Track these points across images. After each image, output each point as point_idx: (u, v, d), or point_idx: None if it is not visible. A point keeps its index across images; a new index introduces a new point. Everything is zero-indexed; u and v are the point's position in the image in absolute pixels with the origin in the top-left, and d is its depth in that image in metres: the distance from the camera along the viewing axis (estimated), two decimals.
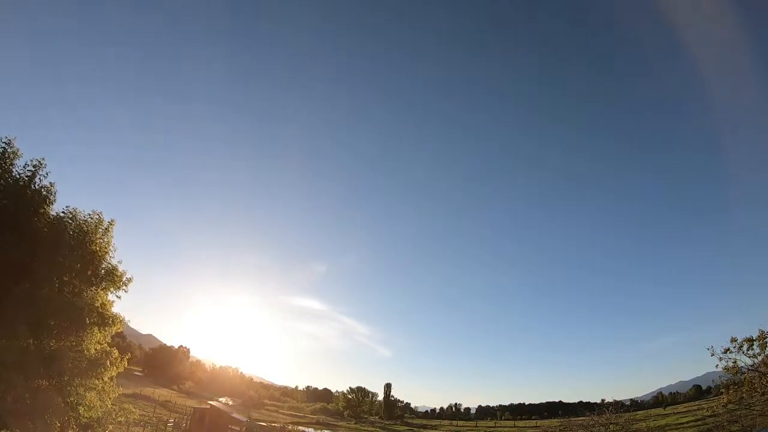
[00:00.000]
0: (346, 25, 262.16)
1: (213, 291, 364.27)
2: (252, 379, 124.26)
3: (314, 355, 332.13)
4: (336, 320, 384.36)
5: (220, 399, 73.44)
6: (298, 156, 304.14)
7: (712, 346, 23.47)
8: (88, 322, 13.04)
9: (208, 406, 40.06)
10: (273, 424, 54.45)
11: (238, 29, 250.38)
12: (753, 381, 22.12)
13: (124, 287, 14.67)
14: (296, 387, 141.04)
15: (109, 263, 14.30)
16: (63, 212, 13.51)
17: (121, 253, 14.64)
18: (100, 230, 13.95)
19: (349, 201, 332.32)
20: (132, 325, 17.25)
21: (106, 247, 14.04)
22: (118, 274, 14.43)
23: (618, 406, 37.57)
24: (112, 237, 14.35)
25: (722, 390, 24.51)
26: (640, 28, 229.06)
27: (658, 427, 48.07)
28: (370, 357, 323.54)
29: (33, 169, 12.90)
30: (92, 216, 13.86)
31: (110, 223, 14.29)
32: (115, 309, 14.70)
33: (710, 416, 40.79)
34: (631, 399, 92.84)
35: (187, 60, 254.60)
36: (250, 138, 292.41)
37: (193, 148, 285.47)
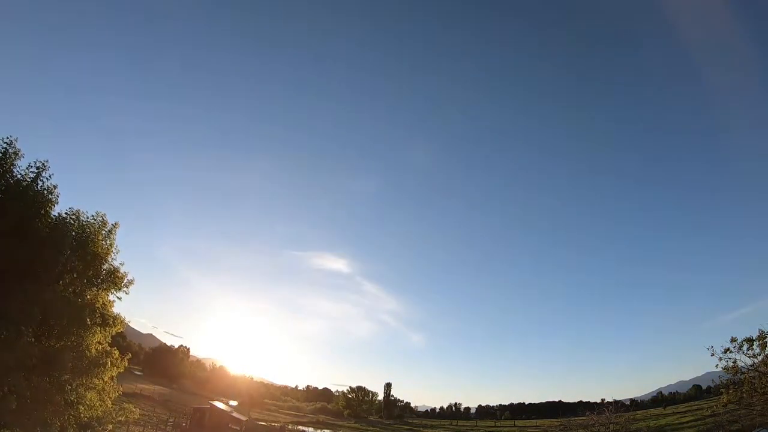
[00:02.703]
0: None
1: (207, 253, 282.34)
2: (252, 378, 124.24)
3: (326, 342, 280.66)
4: (359, 291, 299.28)
5: (220, 398, 73.44)
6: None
7: (712, 346, 23.51)
8: (89, 322, 13.06)
9: (208, 406, 40.10)
10: (273, 424, 54.49)
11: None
12: (753, 381, 22.13)
13: (125, 289, 14.72)
14: (296, 386, 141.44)
15: (111, 264, 14.34)
16: (66, 213, 13.51)
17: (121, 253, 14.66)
18: (103, 232, 13.98)
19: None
20: (132, 324, 17.29)
21: (108, 249, 14.06)
22: (119, 275, 14.47)
23: (618, 406, 37.60)
24: (115, 239, 14.40)
25: (722, 390, 24.53)
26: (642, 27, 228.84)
27: (658, 427, 48.12)
28: (398, 344, 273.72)
29: (36, 171, 12.90)
30: (95, 218, 13.88)
31: (114, 226, 14.33)
32: (117, 308, 14.77)
33: (710, 416, 40.81)
34: (631, 399, 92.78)
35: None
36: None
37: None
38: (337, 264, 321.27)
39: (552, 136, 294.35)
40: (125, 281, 14.63)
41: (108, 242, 14.09)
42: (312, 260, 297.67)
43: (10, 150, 12.61)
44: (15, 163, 12.74)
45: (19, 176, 12.72)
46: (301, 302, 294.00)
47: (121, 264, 14.61)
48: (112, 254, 14.27)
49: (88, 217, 13.76)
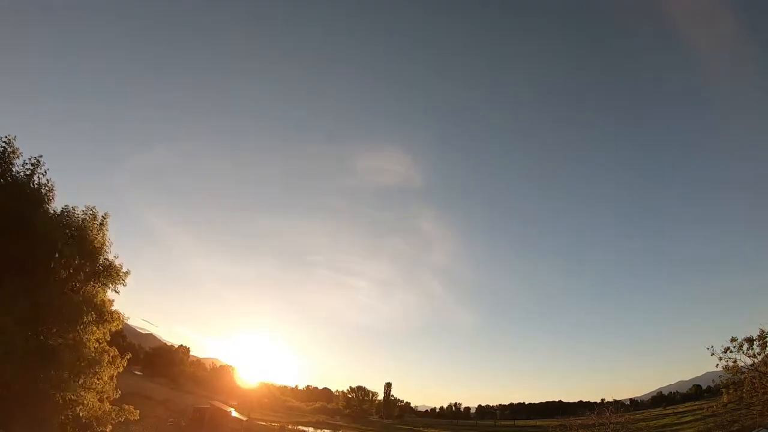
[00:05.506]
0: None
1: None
2: (252, 378, 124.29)
3: (343, 327, 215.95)
4: (409, 230, 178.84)
5: (220, 398, 73.38)
6: None
7: (712, 346, 23.56)
8: (86, 319, 13.03)
9: (208, 406, 40.11)
10: (273, 424, 54.49)
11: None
12: (753, 380, 22.14)
13: (122, 281, 14.66)
14: (296, 386, 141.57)
15: (106, 258, 14.33)
16: (62, 209, 13.55)
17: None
18: (96, 225, 13.96)
19: None
20: (132, 323, 17.30)
21: (102, 242, 14.04)
22: (116, 268, 14.44)
23: (618, 406, 37.53)
24: (108, 231, 14.37)
25: (722, 390, 24.56)
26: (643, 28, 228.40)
27: (658, 427, 48.12)
28: (444, 323, 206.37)
29: (31, 167, 12.94)
30: (86, 211, 13.88)
31: (104, 217, 14.26)
32: (116, 307, 14.73)
33: (710, 416, 40.83)
34: (631, 399, 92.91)
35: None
36: None
37: None
38: (398, 168, 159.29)
39: (549, 131, 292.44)
40: (121, 273, 14.59)
41: (102, 235, 14.07)
42: (351, 161, 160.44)
43: (8, 149, 12.67)
44: (13, 161, 12.79)
45: (16, 174, 12.77)
46: (314, 258, 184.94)
47: (116, 257, 14.61)
48: (107, 247, 14.25)
49: (80, 212, 13.76)
